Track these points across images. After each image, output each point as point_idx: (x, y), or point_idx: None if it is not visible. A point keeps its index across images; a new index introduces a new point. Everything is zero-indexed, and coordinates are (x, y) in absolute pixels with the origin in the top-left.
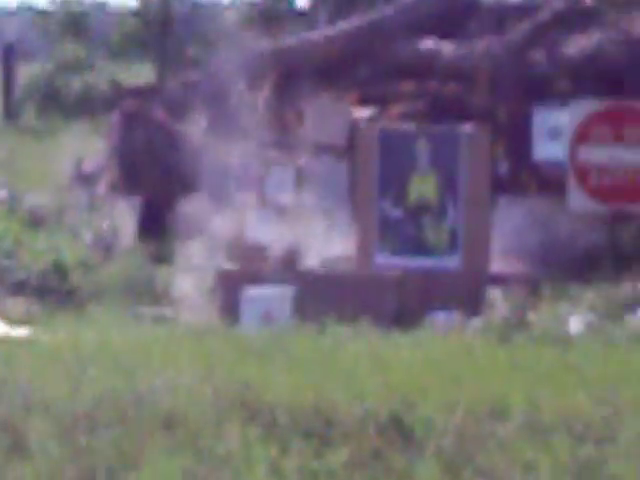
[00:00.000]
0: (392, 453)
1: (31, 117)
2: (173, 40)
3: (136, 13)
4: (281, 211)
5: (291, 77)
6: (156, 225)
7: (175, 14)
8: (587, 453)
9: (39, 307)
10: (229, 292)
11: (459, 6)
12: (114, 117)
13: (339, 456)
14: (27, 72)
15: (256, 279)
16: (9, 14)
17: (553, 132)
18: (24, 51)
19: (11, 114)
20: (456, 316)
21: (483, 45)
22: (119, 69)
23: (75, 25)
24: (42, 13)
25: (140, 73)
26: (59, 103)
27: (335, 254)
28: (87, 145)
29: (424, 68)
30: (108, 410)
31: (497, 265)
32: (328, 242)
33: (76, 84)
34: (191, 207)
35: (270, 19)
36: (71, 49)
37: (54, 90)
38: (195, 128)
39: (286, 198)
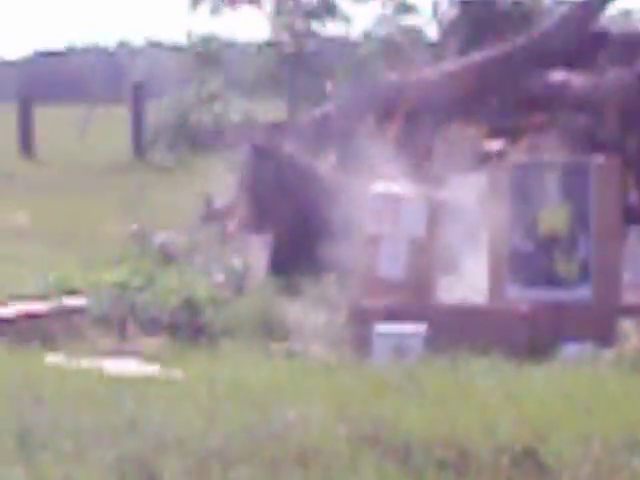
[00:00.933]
0: None
1: (161, 153)
2: (305, 74)
3: (267, 48)
4: (415, 244)
5: (421, 110)
6: (288, 260)
7: (307, 49)
8: None
9: (171, 344)
10: (361, 327)
11: (589, 37)
12: (245, 153)
13: None
14: (157, 109)
15: (389, 313)
16: (136, 52)
17: None
18: (153, 88)
19: (141, 151)
20: (588, 348)
21: (613, 75)
22: (252, 104)
23: (210, 60)
24: (174, 49)
25: (272, 108)
26: (190, 139)
27: (467, 287)
28: (217, 181)
29: (554, 100)
30: (242, 446)
31: (629, 296)
32: (460, 275)
33: (208, 120)
34: (323, 242)
35: (401, 51)
36: (205, 84)
37: (185, 126)
38: (326, 162)
39: (420, 231)
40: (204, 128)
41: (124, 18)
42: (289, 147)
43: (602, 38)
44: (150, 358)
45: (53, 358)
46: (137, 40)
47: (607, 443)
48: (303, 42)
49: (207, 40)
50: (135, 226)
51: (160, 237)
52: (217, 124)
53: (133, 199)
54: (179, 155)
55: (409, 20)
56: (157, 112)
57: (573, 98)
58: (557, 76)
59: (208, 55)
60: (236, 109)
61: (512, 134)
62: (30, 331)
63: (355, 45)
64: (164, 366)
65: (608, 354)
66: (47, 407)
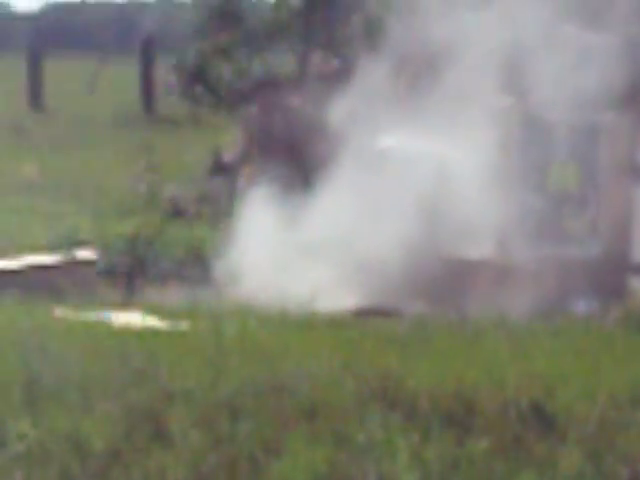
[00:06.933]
0: (533, 440)
1: (171, 109)
2: (316, 27)
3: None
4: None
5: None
6: None
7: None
8: None
9: (179, 297)
10: None
11: None
12: (253, 108)
13: (480, 443)
14: (168, 63)
15: None
16: (146, 6)
17: None
18: (164, 42)
19: (150, 104)
20: (596, 304)
21: (624, 32)
22: (263, 58)
23: (224, 14)
24: (183, 4)
25: (284, 61)
26: (201, 94)
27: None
28: (226, 135)
29: (564, 55)
30: (249, 399)
31: (637, 253)
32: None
33: (221, 75)
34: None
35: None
36: (218, 39)
37: (197, 81)
38: (337, 115)
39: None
40: (219, 82)
41: None
42: (297, 101)
43: None
44: (158, 311)
45: (61, 310)
46: None
47: (614, 399)
48: None
49: None
50: (143, 182)
51: (169, 190)
52: (228, 79)
53: (142, 153)
54: (189, 110)
55: None
56: (169, 66)
57: (582, 54)
58: (568, 31)
59: (222, 9)
60: (247, 63)
61: (522, 90)
62: (39, 283)
63: None
64: (172, 319)
65: (616, 311)
66: (55, 359)
